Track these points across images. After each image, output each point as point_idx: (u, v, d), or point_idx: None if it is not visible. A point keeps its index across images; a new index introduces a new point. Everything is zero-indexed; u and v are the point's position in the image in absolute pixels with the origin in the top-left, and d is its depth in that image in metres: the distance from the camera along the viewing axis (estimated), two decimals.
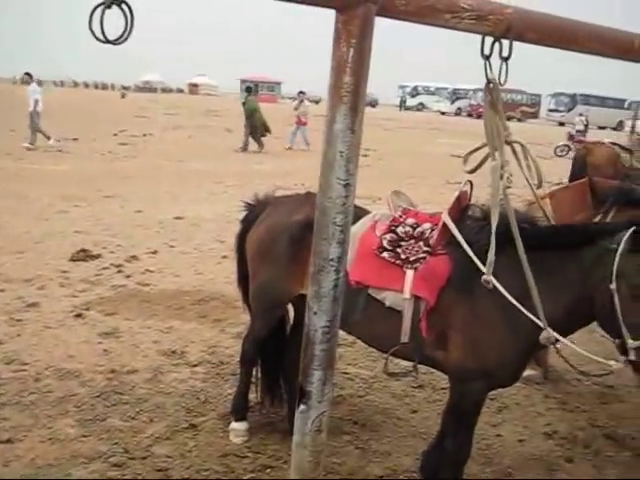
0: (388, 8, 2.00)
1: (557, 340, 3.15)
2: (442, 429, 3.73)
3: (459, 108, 62.63)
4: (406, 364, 3.74)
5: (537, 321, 3.04)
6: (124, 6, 1.65)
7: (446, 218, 3.36)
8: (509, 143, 2.70)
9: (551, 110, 60.75)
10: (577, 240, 3.13)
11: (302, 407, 2.26)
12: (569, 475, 4.42)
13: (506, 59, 2.32)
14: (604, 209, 3.46)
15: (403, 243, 3.45)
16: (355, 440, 4.58)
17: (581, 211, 4.83)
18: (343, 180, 2.02)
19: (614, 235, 2.99)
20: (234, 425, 4.45)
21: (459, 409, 3.51)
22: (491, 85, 2.42)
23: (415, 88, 72.03)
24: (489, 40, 2.38)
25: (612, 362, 3.01)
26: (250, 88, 25.48)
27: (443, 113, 61.88)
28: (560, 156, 27.90)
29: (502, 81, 2.39)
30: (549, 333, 3.03)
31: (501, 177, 2.64)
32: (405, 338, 3.39)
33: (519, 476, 4.34)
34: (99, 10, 1.60)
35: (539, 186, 3.02)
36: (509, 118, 57.73)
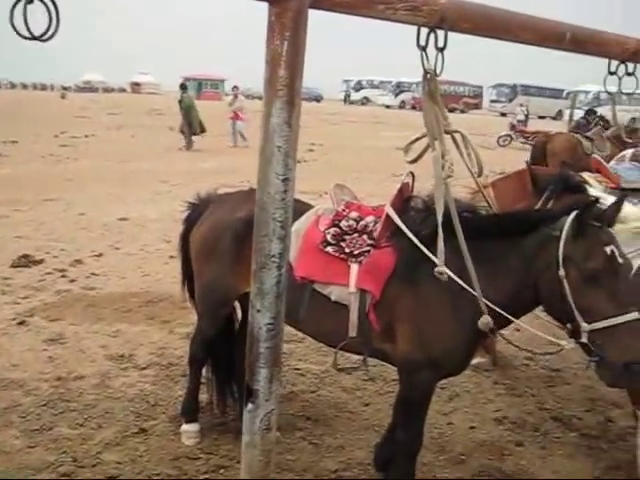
0: (321, 0, 1.98)
1: (499, 328, 3.19)
2: (394, 420, 3.75)
3: (403, 101, 63.12)
4: (356, 358, 3.75)
5: (485, 306, 3.06)
6: (47, 0, 1.60)
7: (389, 210, 3.36)
8: (449, 133, 2.71)
9: (493, 101, 61.69)
10: (519, 228, 3.17)
11: (250, 406, 2.24)
12: (520, 458, 4.49)
13: (441, 49, 2.32)
14: (544, 197, 3.51)
15: (347, 237, 3.45)
16: (308, 436, 4.57)
17: (522, 199, 4.90)
18: (282, 175, 1.99)
19: (556, 221, 3.04)
20: (185, 427, 4.40)
21: (409, 400, 3.53)
22: (428, 75, 2.42)
23: (359, 82, 72.31)
24: (425, 31, 2.38)
25: (563, 342, 3.06)
26: (185, 85, 24.96)
27: (387, 106, 62.28)
28: (503, 146, 28.42)
29: (439, 71, 2.40)
30: (487, 319, 3.06)
31: (442, 167, 2.65)
32: (353, 332, 3.38)
33: (471, 462, 4.39)
34: (21, 5, 1.55)
35: (480, 174, 3.05)
36: (452, 110, 58.50)
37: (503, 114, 53.54)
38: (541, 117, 51.65)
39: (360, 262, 3.36)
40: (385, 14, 2.14)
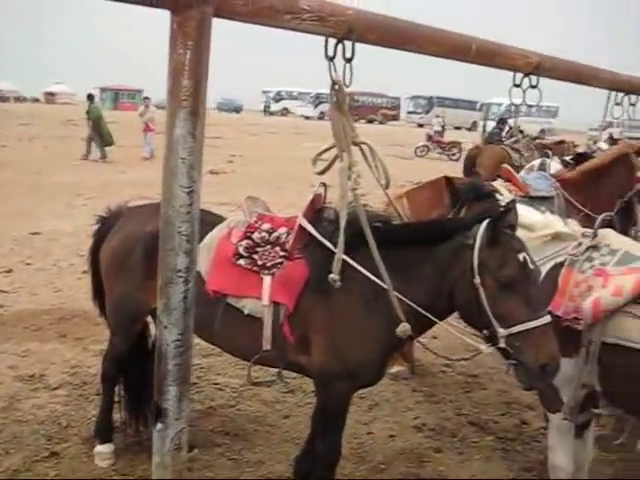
0: (225, 9, 1.95)
1: (415, 335, 3.23)
2: (312, 432, 3.72)
3: (322, 112, 63.40)
4: (275, 370, 3.71)
5: (399, 315, 3.08)
6: None
7: (302, 221, 3.35)
8: (357, 144, 2.72)
9: (410, 112, 62.95)
10: (433, 236, 3.20)
11: (159, 426, 2.18)
12: (438, 465, 4.54)
13: (349, 60, 2.32)
14: (457, 206, 3.58)
15: (259, 249, 3.41)
16: (227, 451, 4.50)
17: (436, 208, 4.99)
18: (186, 188, 1.94)
19: (469, 230, 3.08)
20: (99, 448, 4.25)
21: (326, 411, 3.51)
22: (336, 87, 2.42)
23: (279, 93, 72.44)
24: (333, 42, 2.38)
25: (482, 346, 3.10)
26: (92, 96, 24.24)
27: (307, 117, 62.58)
28: (420, 156, 28.96)
29: (347, 82, 2.40)
30: (405, 327, 3.08)
31: (349, 178, 2.65)
32: (267, 345, 3.34)
33: (391, 471, 4.42)
34: None
35: (387, 186, 3.07)
36: (371, 121, 59.39)
37: (420, 125, 54.67)
38: (457, 128, 52.95)
39: (273, 274, 3.33)
40: (291, 24, 2.12)
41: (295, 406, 5.23)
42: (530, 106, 3.61)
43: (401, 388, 5.70)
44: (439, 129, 31.46)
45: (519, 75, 3.26)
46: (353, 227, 2.99)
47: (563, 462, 3.67)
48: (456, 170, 12.94)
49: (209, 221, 3.67)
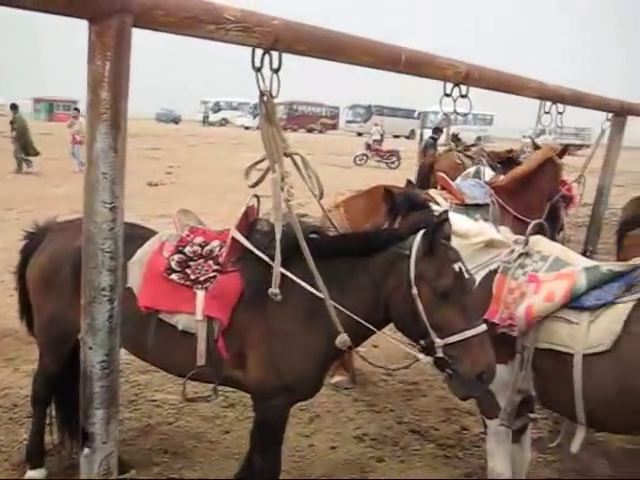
0: (145, 19, 1.90)
1: (355, 345, 3.22)
2: (251, 448, 3.66)
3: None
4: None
5: (341, 324, 3.06)
6: None
7: (235, 233, 3.29)
8: (288, 155, 2.69)
9: (349, 121, 63.44)
10: (368, 247, 3.19)
11: (86, 451, 2.11)
12: (380, 474, 4.53)
13: (276, 71, 2.30)
14: (392, 215, 3.58)
15: (192, 263, 3.34)
16: (166, 470, 4.39)
17: (374, 217, 4.98)
18: (109, 203, 1.88)
19: (405, 240, 3.08)
20: (30, 473, 4.09)
21: (264, 427, 3.46)
22: (265, 97, 2.38)
23: (217, 103, 72.01)
24: (260, 52, 2.35)
25: (421, 355, 3.10)
26: (16, 105, 23.42)
27: (247, 127, 62.36)
28: (359, 165, 29.17)
29: (274, 93, 2.37)
30: (344, 337, 3.06)
31: (282, 189, 2.62)
32: (202, 361, 3.27)
33: None
34: None
35: (321, 197, 3.05)
36: (310, 130, 59.59)
37: (359, 134, 55.12)
38: (396, 136, 53.61)
39: (206, 288, 3.26)
40: (216, 35, 2.09)
41: (235, 420, 5.14)
42: (461, 114, 3.65)
43: (342, 398, 5.68)
44: (378, 138, 31.75)
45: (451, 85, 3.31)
46: (288, 239, 2.96)
47: (501, 467, 3.70)
48: (396, 178, 13.07)
49: (140, 235, 3.58)
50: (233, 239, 3.32)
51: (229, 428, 5.02)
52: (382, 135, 32.82)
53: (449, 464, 4.73)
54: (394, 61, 2.76)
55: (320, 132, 61.25)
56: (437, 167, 11.87)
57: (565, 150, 6.87)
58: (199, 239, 3.44)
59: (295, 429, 5.00)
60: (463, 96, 3.25)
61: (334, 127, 65.94)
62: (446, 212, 3.09)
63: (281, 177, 2.61)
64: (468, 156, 12.20)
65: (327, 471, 4.52)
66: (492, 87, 3.59)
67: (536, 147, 7.02)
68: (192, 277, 3.31)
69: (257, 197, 3.46)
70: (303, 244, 2.85)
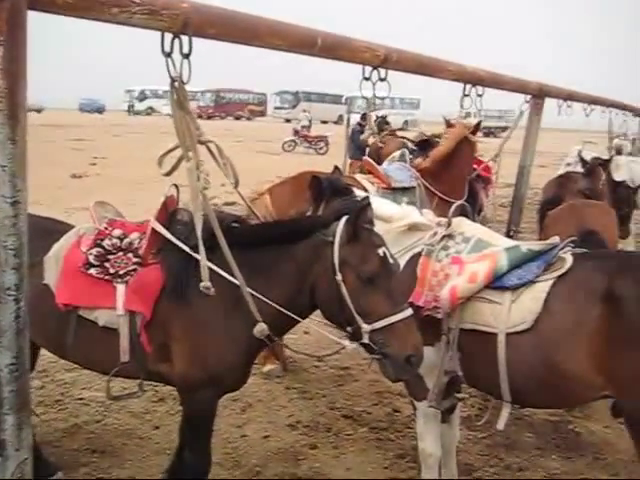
0: (42, 0, 1.80)
1: (279, 334, 3.19)
2: (180, 443, 3.58)
3: None
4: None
5: (261, 313, 3.02)
6: None
7: (155, 225, 3.20)
8: (203, 143, 2.61)
9: (277, 108, 63.14)
10: (291, 235, 3.15)
11: None
12: (314, 461, 4.53)
13: (187, 56, 2.22)
14: (317, 201, 3.54)
15: (111, 257, 3.23)
16: (94, 470, 4.28)
17: (300, 204, 4.94)
18: (10, 198, 1.77)
19: (328, 226, 3.06)
20: None
21: (193, 420, 3.39)
22: (176, 83, 2.30)
23: (142, 92, 70.52)
24: (169, 36, 2.27)
25: (346, 341, 3.09)
26: None
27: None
28: (288, 151, 29.12)
29: (185, 78, 2.29)
30: (262, 327, 3.03)
31: (198, 178, 2.55)
32: (125, 357, 3.17)
33: (267, 472, 4.36)
34: None
35: (236, 185, 2.99)
36: (238, 117, 59.14)
37: (287, 120, 54.94)
38: (324, 122, 53.68)
39: (127, 282, 3.16)
40: (119, 18, 1.99)
41: (166, 415, 5.05)
42: (380, 98, 3.64)
43: (274, 387, 5.65)
44: (306, 124, 31.72)
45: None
46: (208, 228, 2.89)
47: (432, 448, 3.74)
48: (325, 163, 13.08)
49: (56, 229, 3.45)
50: (153, 230, 3.22)
51: (159, 423, 4.93)
52: (310, 121, 32.81)
53: (381, 447, 4.76)
54: (309, 44, 2.72)
55: (248, 119, 60.86)
56: (384, 151, 11.93)
57: (478, 127, 6.97)
58: (118, 232, 3.32)
59: (227, 420, 4.94)
60: (382, 79, 3.24)
61: (262, 114, 65.59)
62: (367, 197, 3.08)
63: (196, 165, 2.54)
64: (412, 141, 12.30)
65: (260, 461, 4.49)
66: (411, 70, 3.59)
67: (449, 125, 7.08)
68: (111, 271, 3.19)
69: (176, 186, 3.37)
70: (219, 233, 2.79)
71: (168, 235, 3.19)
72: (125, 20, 2.02)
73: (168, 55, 2.23)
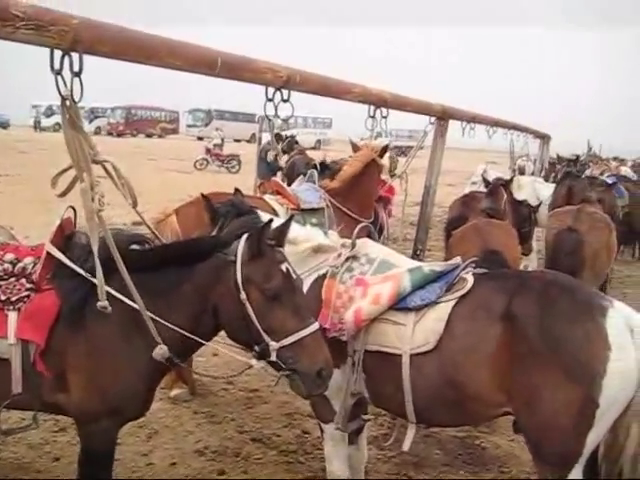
0: None
1: (177, 357, 3.10)
2: (79, 476, 3.42)
3: (98, 127, 61.07)
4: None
5: (162, 336, 2.95)
6: None
7: (50, 248, 3.06)
8: (98, 163, 2.53)
9: (189, 125, 62.41)
10: (191, 255, 3.09)
11: None
12: None
13: (77, 74, 2.14)
14: (219, 223, 3.49)
15: (2, 283, 3.06)
16: None
17: (205, 226, 4.87)
18: None
19: (229, 245, 3.01)
20: None
21: (91, 453, 3.23)
22: (67, 102, 2.21)
23: (50, 107, 68.25)
24: (59, 54, 2.18)
25: (253, 361, 3.04)
26: None
27: None
28: (200, 170, 28.80)
29: (77, 97, 2.20)
30: (162, 349, 2.95)
31: (93, 199, 2.46)
32: (18, 388, 3.01)
33: None
34: None
35: (134, 205, 2.91)
36: (150, 135, 58.15)
37: (200, 138, 54.39)
38: (237, 140, 53.44)
39: (19, 309, 3.00)
40: (2, 33, 1.90)
41: (67, 445, 4.82)
42: (284, 120, 3.63)
43: (182, 411, 5.51)
44: (218, 142, 31.50)
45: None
46: (106, 251, 2.79)
47: (340, 470, 3.73)
48: (237, 182, 12.99)
49: None
50: (48, 254, 3.09)
51: (60, 454, 4.69)
52: (222, 139, 32.60)
53: (291, 470, 4.71)
54: (210, 65, 2.68)
55: (160, 137, 59.87)
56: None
57: (385, 150, 7.08)
58: (10, 256, 3.16)
59: (132, 448, 4.78)
60: (285, 100, 3.23)
61: (174, 131, 64.69)
62: (292, 217, 3.11)
63: (91, 186, 2.44)
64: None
65: None
66: (315, 91, 3.60)
67: (356, 149, 7.19)
68: (2, 298, 3.03)
69: (73, 208, 3.24)
70: (116, 255, 2.70)
71: (64, 259, 3.07)
72: (7, 35, 1.92)
73: (58, 73, 2.14)
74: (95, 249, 2.70)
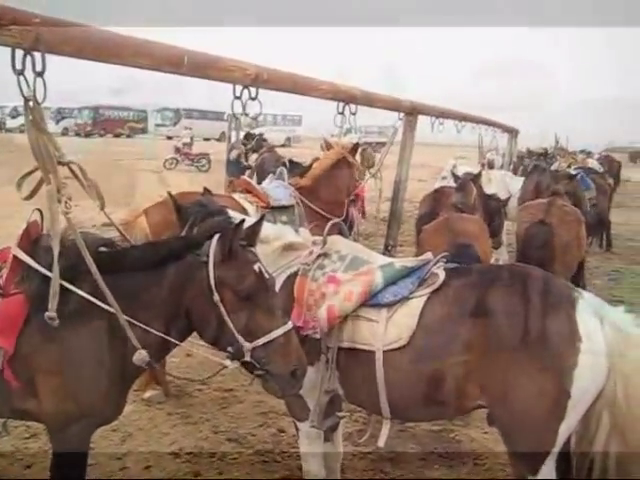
0: None
1: (156, 360, 3.07)
2: None
3: (66, 128, 60.25)
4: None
5: (140, 340, 2.91)
6: None
7: (17, 251, 3.01)
8: (63, 164, 2.48)
9: (158, 125, 61.85)
10: (162, 257, 3.05)
11: None
12: None
13: (40, 74, 2.10)
14: (189, 224, 3.45)
15: None
16: None
17: (175, 226, 4.83)
18: None
19: (200, 246, 2.98)
20: None
21: (65, 458, 3.18)
22: (31, 103, 2.17)
23: (15, 109, 67.19)
24: (21, 53, 2.14)
25: (227, 361, 3.02)
26: None
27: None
28: (169, 169, 28.57)
29: (40, 98, 2.17)
30: (142, 354, 2.91)
31: (59, 201, 2.42)
32: None
33: None
34: None
35: (102, 207, 2.88)
36: (118, 135, 57.55)
37: (169, 137, 53.93)
38: (206, 139, 53.07)
39: None
40: None
41: (40, 452, 4.71)
42: (248, 116, 3.61)
43: (156, 413, 5.46)
44: (187, 141, 31.27)
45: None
46: (74, 254, 2.75)
47: (315, 468, 3.73)
48: (207, 181, 12.92)
49: None
50: (15, 258, 3.03)
51: (31, 461, 4.60)
52: (192, 138, 32.38)
53: (267, 469, 4.69)
54: (176, 63, 2.65)
55: (128, 136, 59.25)
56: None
57: (356, 148, 7.10)
58: None
59: (105, 452, 4.72)
60: (253, 98, 3.21)
61: (143, 131, 64.07)
62: (263, 216, 3.09)
63: (57, 188, 2.40)
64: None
65: None
66: (283, 89, 3.59)
67: (329, 147, 7.21)
68: None
69: (40, 211, 3.18)
70: (88, 259, 2.66)
71: (31, 262, 3.01)
72: None
73: (20, 73, 2.10)
74: (56, 253, 2.65)
